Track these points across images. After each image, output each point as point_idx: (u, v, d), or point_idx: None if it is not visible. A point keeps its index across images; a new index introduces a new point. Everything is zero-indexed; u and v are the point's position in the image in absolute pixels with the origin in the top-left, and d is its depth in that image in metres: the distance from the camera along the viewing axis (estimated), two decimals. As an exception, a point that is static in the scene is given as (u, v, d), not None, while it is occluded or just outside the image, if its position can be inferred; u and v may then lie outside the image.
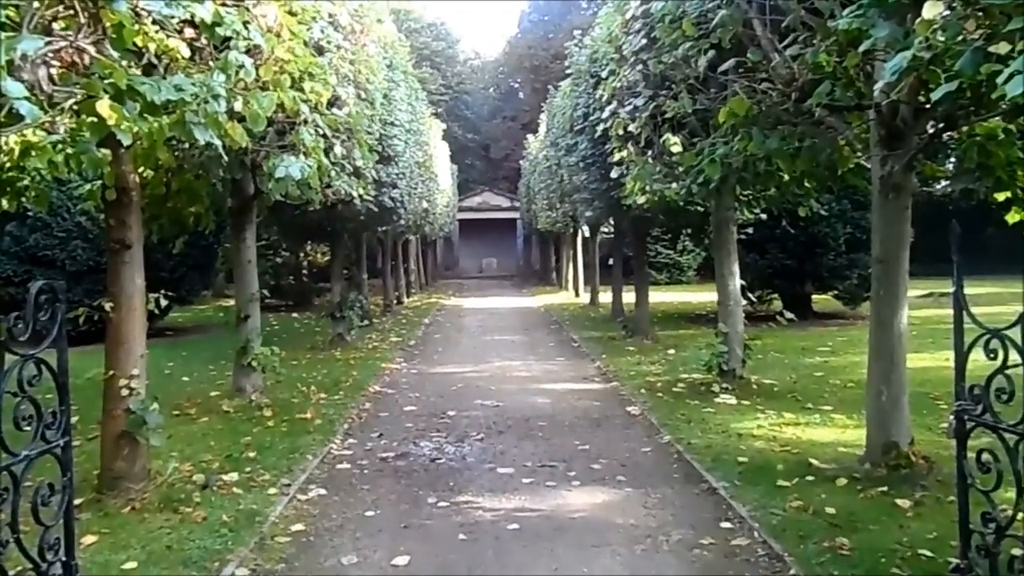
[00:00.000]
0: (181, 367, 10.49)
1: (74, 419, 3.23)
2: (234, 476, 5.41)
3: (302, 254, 21.60)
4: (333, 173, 8.05)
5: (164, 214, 6.81)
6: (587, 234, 20.72)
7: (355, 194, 8.88)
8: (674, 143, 6.84)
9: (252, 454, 6.01)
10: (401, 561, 4.14)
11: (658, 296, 19.34)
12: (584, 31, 13.21)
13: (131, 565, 3.97)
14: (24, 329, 2.54)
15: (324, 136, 7.07)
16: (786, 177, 6.25)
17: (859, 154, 5.47)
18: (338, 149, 7.70)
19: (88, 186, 6.28)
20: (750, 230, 12.06)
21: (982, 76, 2.93)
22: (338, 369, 10.26)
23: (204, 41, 4.18)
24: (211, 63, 4.27)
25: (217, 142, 3.91)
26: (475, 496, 5.17)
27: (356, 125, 8.23)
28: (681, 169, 6.96)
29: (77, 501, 4.07)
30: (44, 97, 2.97)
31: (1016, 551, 3.04)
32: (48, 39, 3.04)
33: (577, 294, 23.09)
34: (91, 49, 3.15)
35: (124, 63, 3.30)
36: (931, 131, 4.80)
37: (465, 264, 42.80)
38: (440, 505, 5.03)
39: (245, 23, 4.41)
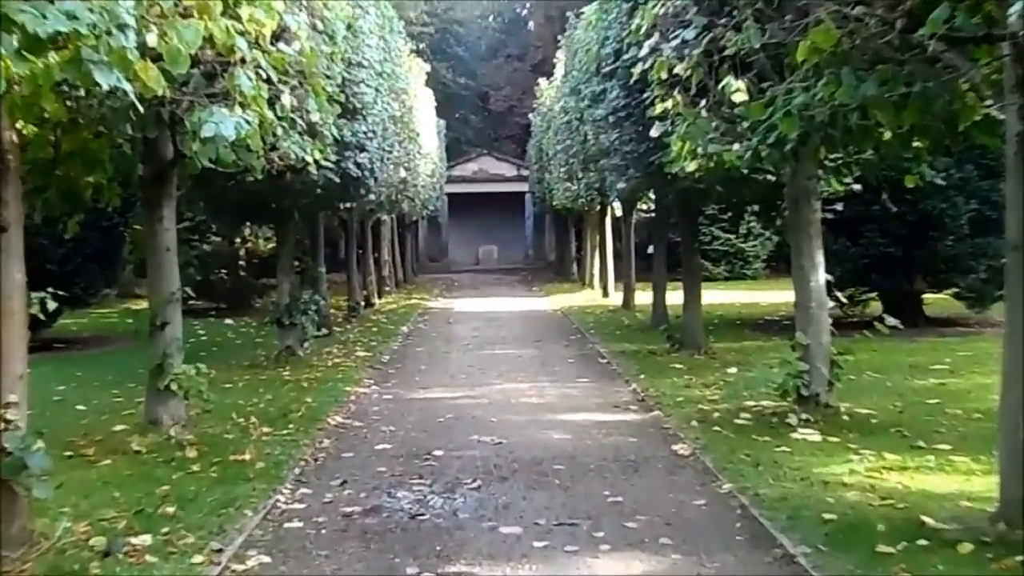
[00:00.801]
0: (75, 392, 10.44)
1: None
2: (146, 539, 5.39)
3: (239, 240, 21.59)
4: (280, 131, 7.99)
5: (52, 185, 6.75)
6: (619, 213, 20.46)
7: (309, 159, 8.83)
8: (736, 90, 6.80)
9: (171, 509, 6.01)
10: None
11: (714, 296, 19.11)
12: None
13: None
14: None
15: (268, 81, 7.04)
16: (888, 134, 6.15)
17: (988, 102, 5.41)
18: (286, 99, 7.65)
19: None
20: (839, 207, 11.91)
21: None
22: (287, 394, 10.24)
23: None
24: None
25: (126, 86, 3.87)
26: (470, 565, 5.13)
27: (310, 67, 8.16)
28: (746, 125, 6.89)
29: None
30: None
31: None
32: None
33: (605, 293, 23.03)
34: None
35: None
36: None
37: (456, 254, 42.15)
38: (423, 578, 5.13)
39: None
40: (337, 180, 10.94)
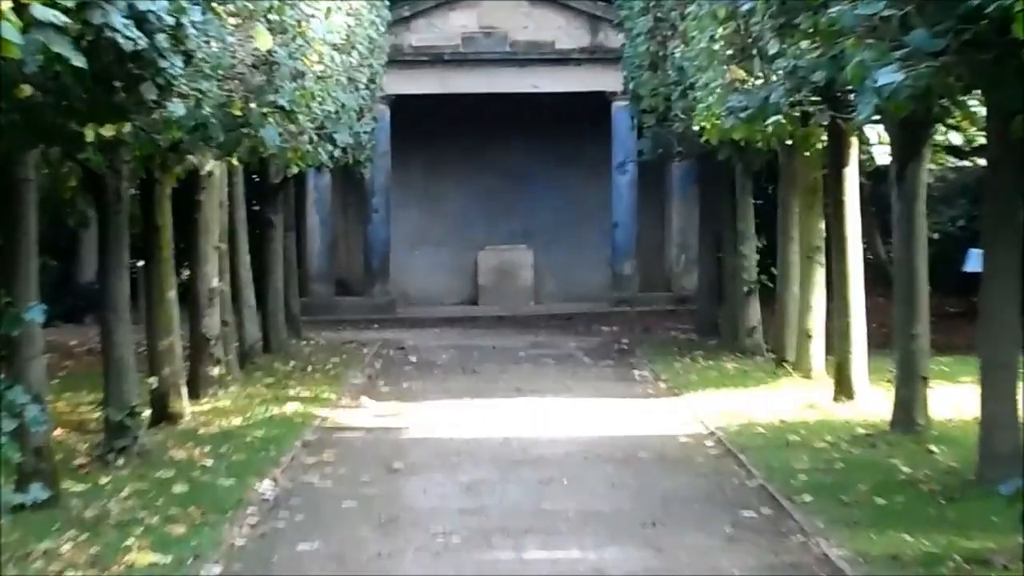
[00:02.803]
0: None
1: None
2: None
3: None
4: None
5: None
6: (879, 160, 14.00)
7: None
8: None
9: None
10: None
11: None
12: None
13: None
14: None
15: None
16: None
17: None
18: None
19: None
20: None
21: None
22: None
23: None
24: None
25: None
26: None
27: None
28: None
29: None
30: None
31: None
32: None
33: (843, 388, 12.37)
34: None
35: None
36: None
37: (416, 273, 25.04)
38: None
39: None
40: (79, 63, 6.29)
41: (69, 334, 18.15)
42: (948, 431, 10.95)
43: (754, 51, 10.93)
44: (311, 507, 8.94)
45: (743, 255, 16.84)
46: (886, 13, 7.08)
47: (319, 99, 12.56)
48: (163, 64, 7.33)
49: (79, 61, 5.95)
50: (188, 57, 7.63)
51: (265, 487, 9.32)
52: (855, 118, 9.39)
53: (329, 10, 12.76)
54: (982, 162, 12.72)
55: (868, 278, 13.76)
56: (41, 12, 5.40)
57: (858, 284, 13.25)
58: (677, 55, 14.94)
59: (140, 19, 6.78)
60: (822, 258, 14.27)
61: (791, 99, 10.32)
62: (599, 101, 23.00)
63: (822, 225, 14.44)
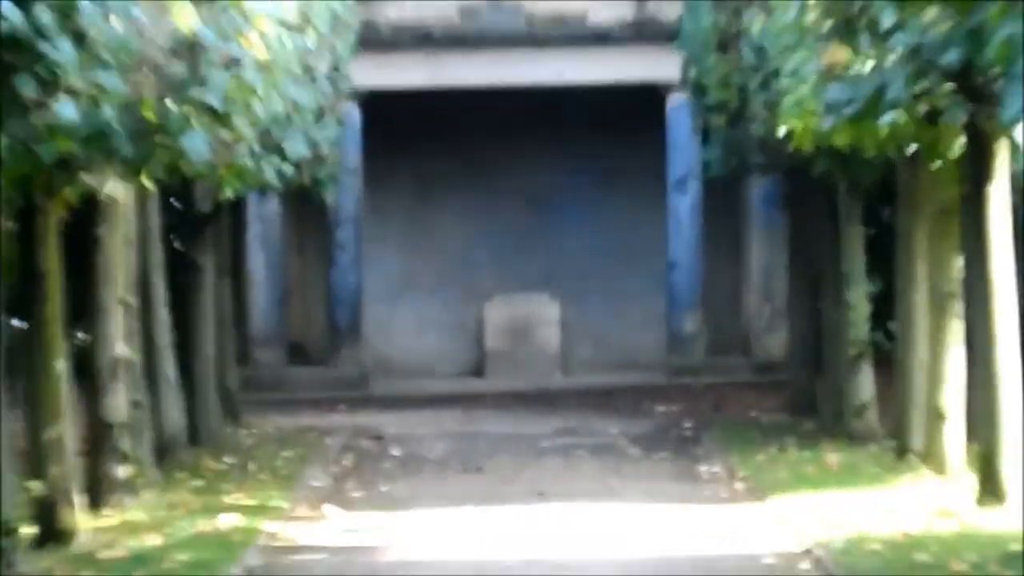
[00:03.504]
0: None
1: None
2: None
3: None
4: None
5: None
6: None
7: None
8: None
9: None
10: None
11: None
12: None
13: None
14: None
15: None
16: None
17: None
18: None
19: None
20: None
21: None
22: None
23: None
24: None
25: None
26: None
27: None
28: None
29: None
30: None
31: None
32: None
33: (993, 490, 13.48)
34: None
35: None
36: None
37: (395, 333, 26.31)
38: None
39: None
40: None
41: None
42: None
43: (862, 23, 11.05)
44: None
45: (849, 305, 17.11)
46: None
47: (261, 95, 12.83)
48: (45, 49, 7.52)
49: None
50: (80, 39, 7.78)
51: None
52: (1003, 115, 9.79)
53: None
54: None
55: (1024, 335, 14.22)
56: None
57: (1010, 344, 13.37)
58: (755, 30, 15.40)
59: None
60: (960, 308, 14.48)
61: (914, 89, 10.57)
62: (649, 95, 23.67)
63: (959, 263, 14.66)
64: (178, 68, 10.33)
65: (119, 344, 13.94)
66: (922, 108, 11.51)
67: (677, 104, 23.13)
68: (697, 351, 24.54)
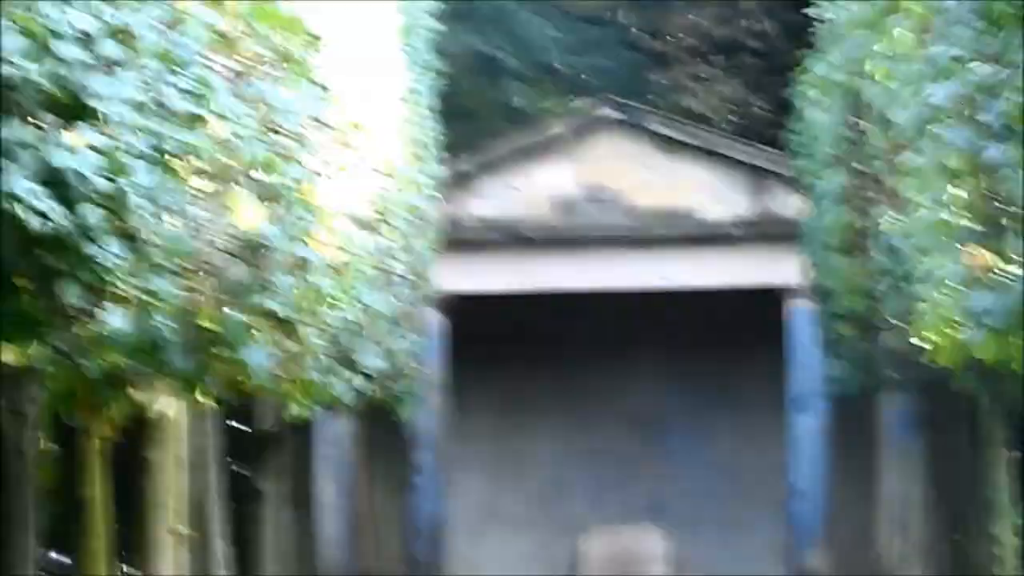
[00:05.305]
0: None
1: None
2: None
3: None
4: None
5: None
6: None
7: None
8: None
9: None
10: None
11: None
12: None
13: None
14: None
15: None
16: None
17: None
18: None
19: None
20: None
21: None
22: None
23: None
24: None
25: None
26: None
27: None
28: None
29: None
30: None
31: None
32: None
33: None
34: None
35: None
36: None
37: (485, 571, 27.04)
38: None
39: None
40: None
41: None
42: None
43: (1005, 220, 10.97)
44: None
45: (995, 540, 16.90)
46: None
47: (331, 301, 13.02)
48: (91, 251, 7.45)
49: None
50: (130, 240, 7.79)
51: None
52: None
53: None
54: None
55: None
56: None
57: None
58: (887, 229, 15.41)
59: (56, 181, 6.86)
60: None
61: None
62: (767, 301, 23.52)
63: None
64: (239, 271, 10.36)
65: (171, 581, 13.90)
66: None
67: (799, 311, 23.00)
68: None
